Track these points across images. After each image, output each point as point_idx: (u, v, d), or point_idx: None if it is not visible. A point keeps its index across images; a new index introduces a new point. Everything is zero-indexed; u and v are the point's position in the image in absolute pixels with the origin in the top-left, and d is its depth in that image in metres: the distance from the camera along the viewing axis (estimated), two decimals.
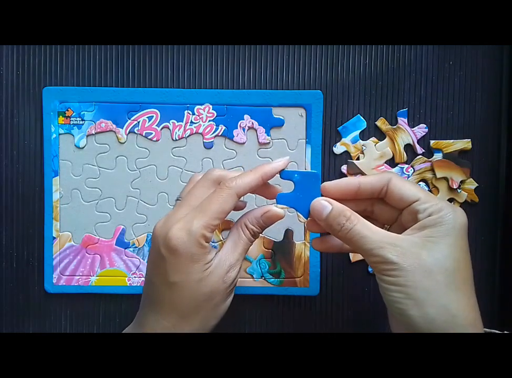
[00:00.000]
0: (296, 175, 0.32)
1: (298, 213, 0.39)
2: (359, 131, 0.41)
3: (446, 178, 0.41)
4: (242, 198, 0.33)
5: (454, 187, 0.41)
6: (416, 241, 0.29)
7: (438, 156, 0.41)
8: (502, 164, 0.42)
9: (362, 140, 0.41)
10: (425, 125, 0.41)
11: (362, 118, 0.41)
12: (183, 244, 0.30)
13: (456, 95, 0.41)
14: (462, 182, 0.41)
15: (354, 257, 0.42)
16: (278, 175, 0.33)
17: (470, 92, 0.41)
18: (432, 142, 0.41)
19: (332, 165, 0.42)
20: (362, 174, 0.41)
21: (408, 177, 0.41)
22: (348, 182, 0.32)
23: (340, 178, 0.34)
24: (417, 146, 0.41)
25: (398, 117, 0.41)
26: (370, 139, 0.41)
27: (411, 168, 0.41)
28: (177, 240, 0.30)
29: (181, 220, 0.31)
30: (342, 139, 0.41)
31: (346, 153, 0.41)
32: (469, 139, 0.41)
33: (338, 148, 0.41)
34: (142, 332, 0.32)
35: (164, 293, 0.31)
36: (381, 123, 0.41)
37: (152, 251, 0.32)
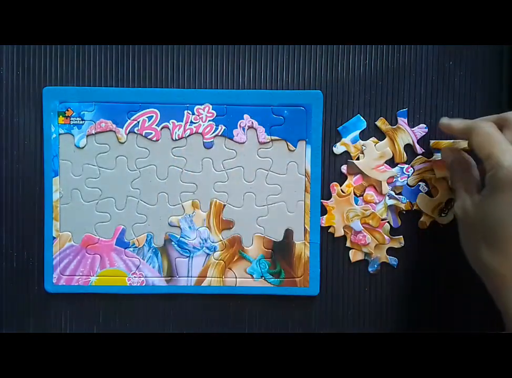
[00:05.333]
0: None
1: None
2: (359, 131, 0.41)
3: (445, 178, 0.41)
4: None
5: None
6: (475, 199, 0.34)
7: (438, 156, 0.41)
8: None
9: (362, 140, 0.41)
10: (425, 125, 0.41)
11: (362, 118, 0.41)
12: None
13: (456, 95, 0.41)
14: None
15: (354, 257, 0.41)
16: None
17: (470, 92, 0.41)
18: (432, 142, 0.41)
19: (332, 165, 0.42)
20: (362, 174, 0.41)
21: (408, 177, 0.41)
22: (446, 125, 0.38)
23: (341, 177, 0.40)
24: (417, 146, 0.41)
25: (398, 117, 0.41)
26: (370, 139, 0.41)
27: (411, 168, 0.41)
28: None
29: None
30: (342, 139, 0.41)
31: (346, 153, 0.41)
32: None
33: (338, 148, 0.41)
34: None
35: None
36: (381, 123, 0.41)
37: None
